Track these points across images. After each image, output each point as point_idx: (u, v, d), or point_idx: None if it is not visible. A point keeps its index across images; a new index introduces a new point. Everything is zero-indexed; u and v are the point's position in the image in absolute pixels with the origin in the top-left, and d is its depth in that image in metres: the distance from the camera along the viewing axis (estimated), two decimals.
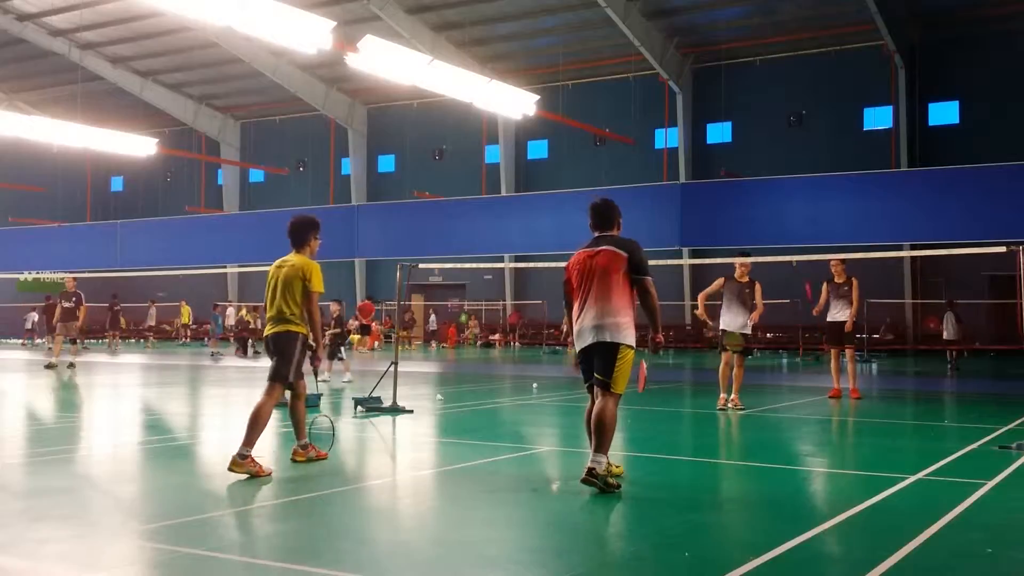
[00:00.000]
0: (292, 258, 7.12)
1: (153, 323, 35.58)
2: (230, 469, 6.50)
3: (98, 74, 39.30)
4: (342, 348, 16.40)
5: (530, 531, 5.41)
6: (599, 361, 6.31)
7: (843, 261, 13.30)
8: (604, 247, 6.42)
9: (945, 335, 22.25)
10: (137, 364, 23.11)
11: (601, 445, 6.16)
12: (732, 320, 11.60)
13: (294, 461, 7.14)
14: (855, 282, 13.11)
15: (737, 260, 11.94)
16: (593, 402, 6.43)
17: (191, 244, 27.68)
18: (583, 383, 6.58)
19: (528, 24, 32.41)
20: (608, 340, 6.24)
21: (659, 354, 6.43)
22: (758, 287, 11.75)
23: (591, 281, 6.37)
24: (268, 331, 7.11)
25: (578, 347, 6.43)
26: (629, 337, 6.28)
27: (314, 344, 7.09)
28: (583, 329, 6.37)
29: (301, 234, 7.18)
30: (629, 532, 5.48)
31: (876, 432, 10.29)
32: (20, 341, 35.46)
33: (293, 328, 6.97)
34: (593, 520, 5.75)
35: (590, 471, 6.10)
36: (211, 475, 7.06)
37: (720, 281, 11.80)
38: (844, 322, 12.96)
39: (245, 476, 6.47)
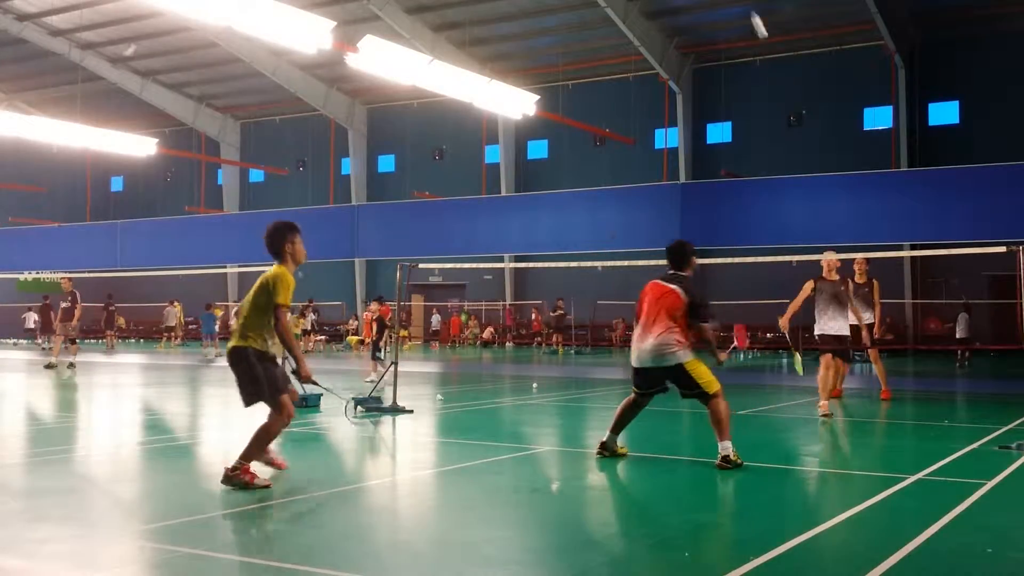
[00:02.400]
0: (271, 267, 6.44)
1: (173, 323, 35.28)
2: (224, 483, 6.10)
3: (98, 74, 39.32)
4: (382, 349, 16.59)
5: (530, 531, 5.41)
6: (679, 385, 7.33)
7: (867, 260, 12.70)
8: (673, 286, 7.35)
9: (958, 334, 22.62)
10: (136, 364, 23.12)
11: (723, 434, 7.11)
12: (827, 324, 10.94)
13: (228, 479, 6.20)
14: (876, 284, 12.57)
15: (824, 257, 11.18)
16: (634, 397, 7.56)
17: (191, 244, 27.66)
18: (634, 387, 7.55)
19: (528, 24, 32.41)
20: (672, 364, 7.19)
21: (721, 365, 7.54)
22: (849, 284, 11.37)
23: (654, 312, 7.29)
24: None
25: (636, 364, 7.42)
26: (686, 355, 7.22)
27: (295, 363, 6.39)
28: (642, 351, 7.32)
29: (273, 244, 6.42)
30: (629, 532, 5.48)
31: (876, 432, 10.29)
32: (14, 341, 35.39)
33: (243, 343, 6.24)
34: (593, 520, 5.75)
35: (724, 458, 7.04)
36: (211, 475, 7.05)
37: (809, 284, 10.98)
38: (866, 325, 12.25)
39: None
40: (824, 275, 11.04)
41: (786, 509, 5.98)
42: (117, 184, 47.44)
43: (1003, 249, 10.16)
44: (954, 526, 5.29)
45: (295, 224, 6.56)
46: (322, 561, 4.53)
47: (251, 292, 6.39)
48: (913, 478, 6.80)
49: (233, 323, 6.72)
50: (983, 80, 29.83)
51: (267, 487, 6.12)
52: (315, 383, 6.64)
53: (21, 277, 32.26)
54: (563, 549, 4.93)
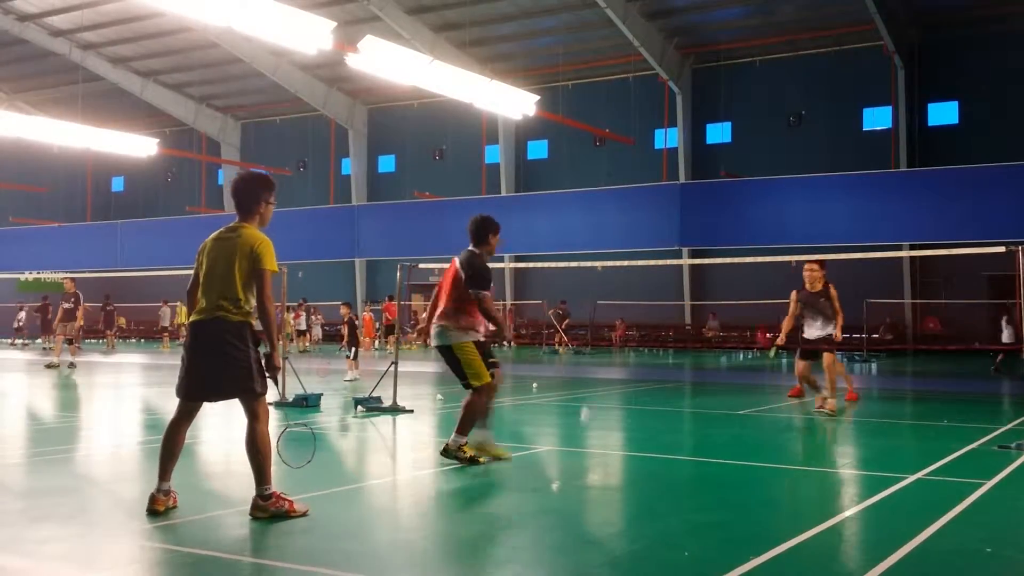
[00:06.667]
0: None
1: (168, 324, 35.10)
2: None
3: (99, 74, 39.32)
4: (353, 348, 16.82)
5: (530, 531, 5.41)
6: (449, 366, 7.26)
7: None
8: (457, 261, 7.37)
9: (1004, 338, 22.31)
10: (136, 364, 23.12)
11: (463, 428, 7.16)
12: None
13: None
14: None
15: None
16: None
17: (191, 244, 27.59)
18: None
19: (528, 24, 32.41)
20: (447, 344, 7.14)
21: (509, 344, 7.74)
22: None
23: (443, 290, 7.37)
24: None
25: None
26: (458, 336, 7.14)
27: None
28: (433, 330, 7.29)
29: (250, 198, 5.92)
30: (629, 532, 5.48)
31: (876, 432, 10.29)
32: (9, 341, 35.24)
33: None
34: (593, 520, 5.76)
35: (452, 448, 7.14)
36: (211, 475, 7.06)
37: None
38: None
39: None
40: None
41: (786, 509, 5.99)
42: (118, 184, 47.43)
43: (1003, 249, 10.17)
44: (954, 526, 5.30)
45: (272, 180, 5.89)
46: (322, 561, 4.53)
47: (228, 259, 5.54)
48: (913, 478, 6.81)
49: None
50: (983, 80, 29.82)
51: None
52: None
53: (21, 277, 32.26)
54: (563, 549, 4.94)
